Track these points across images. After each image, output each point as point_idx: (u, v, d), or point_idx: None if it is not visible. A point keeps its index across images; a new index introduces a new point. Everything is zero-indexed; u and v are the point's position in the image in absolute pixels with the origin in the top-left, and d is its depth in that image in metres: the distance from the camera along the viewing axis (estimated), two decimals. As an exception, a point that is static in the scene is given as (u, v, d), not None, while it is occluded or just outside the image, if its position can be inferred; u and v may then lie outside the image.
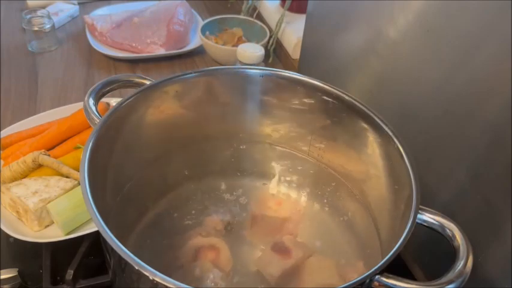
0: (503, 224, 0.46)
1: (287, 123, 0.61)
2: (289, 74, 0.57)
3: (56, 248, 0.59)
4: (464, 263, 0.40)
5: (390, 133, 0.49)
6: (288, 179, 0.62)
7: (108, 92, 0.55)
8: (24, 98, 0.87)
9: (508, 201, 0.45)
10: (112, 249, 0.36)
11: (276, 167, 0.63)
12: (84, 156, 0.44)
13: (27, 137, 0.72)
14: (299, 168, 0.62)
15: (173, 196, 0.58)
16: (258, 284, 0.50)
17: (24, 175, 0.65)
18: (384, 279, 0.38)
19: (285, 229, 0.56)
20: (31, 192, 0.60)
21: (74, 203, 0.60)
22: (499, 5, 0.42)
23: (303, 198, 0.60)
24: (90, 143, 0.45)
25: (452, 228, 0.43)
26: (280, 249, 0.53)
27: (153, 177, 0.58)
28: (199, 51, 1.04)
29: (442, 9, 0.49)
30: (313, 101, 0.57)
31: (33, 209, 0.58)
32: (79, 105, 0.76)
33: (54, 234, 0.59)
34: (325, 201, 0.59)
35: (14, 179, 0.64)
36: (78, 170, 0.64)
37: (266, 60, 0.97)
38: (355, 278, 0.37)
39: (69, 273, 0.54)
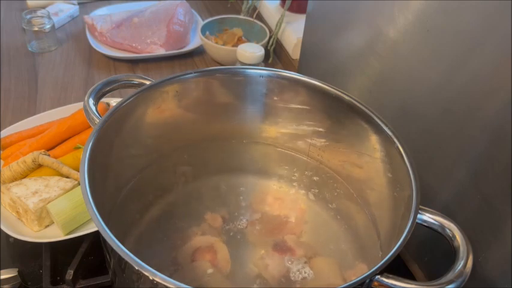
0: (503, 224, 0.46)
1: (287, 123, 0.61)
2: (289, 74, 0.57)
3: (56, 248, 0.59)
4: (464, 263, 0.40)
5: (390, 133, 0.49)
6: (287, 178, 0.62)
7: (108, 92, 0.55)
8: (24, 98, 0.87)
9: (508, 201, 0.45)
10: (112, 249, 0.36)
11: (276, 166, 0.63)
12: (84, 156, 0.44)
13: (27, 137, 0.72)
14: (299, 168, 0.62)
15: (173, 196, 0.58)
16: (259, 285, 0.50)
17: (24, 175, 0.65)
18: (384, 279, 0.38)
19: (286, 229, 0.56)
20: (31, 192, 0.60)
21: (74, 203, 0.60)
22: (499, 4, 0.42)
23: (303, 198, 0.60)
24: (90, 143, 0.45)
25: (452, 228, 0.43)
26: (282, 249, 0.53)
27: (153, 177, 0.58)
28: (199, 51, 1.04)
29: (441, 9, 0.49)
30: (313, 101, 0.57)
31: (33, 209, 0.58)
32: (79, 105, 0.76)
33: (54, 234, 0.59)
34: (325, 201, 0.59)
35: (14, 179, 0.64)
36: (78, 170, 0.64)
37: (266, 60, 0.97)
38: (355, 278, 0.37)
39: (69, 273, 0.54)
